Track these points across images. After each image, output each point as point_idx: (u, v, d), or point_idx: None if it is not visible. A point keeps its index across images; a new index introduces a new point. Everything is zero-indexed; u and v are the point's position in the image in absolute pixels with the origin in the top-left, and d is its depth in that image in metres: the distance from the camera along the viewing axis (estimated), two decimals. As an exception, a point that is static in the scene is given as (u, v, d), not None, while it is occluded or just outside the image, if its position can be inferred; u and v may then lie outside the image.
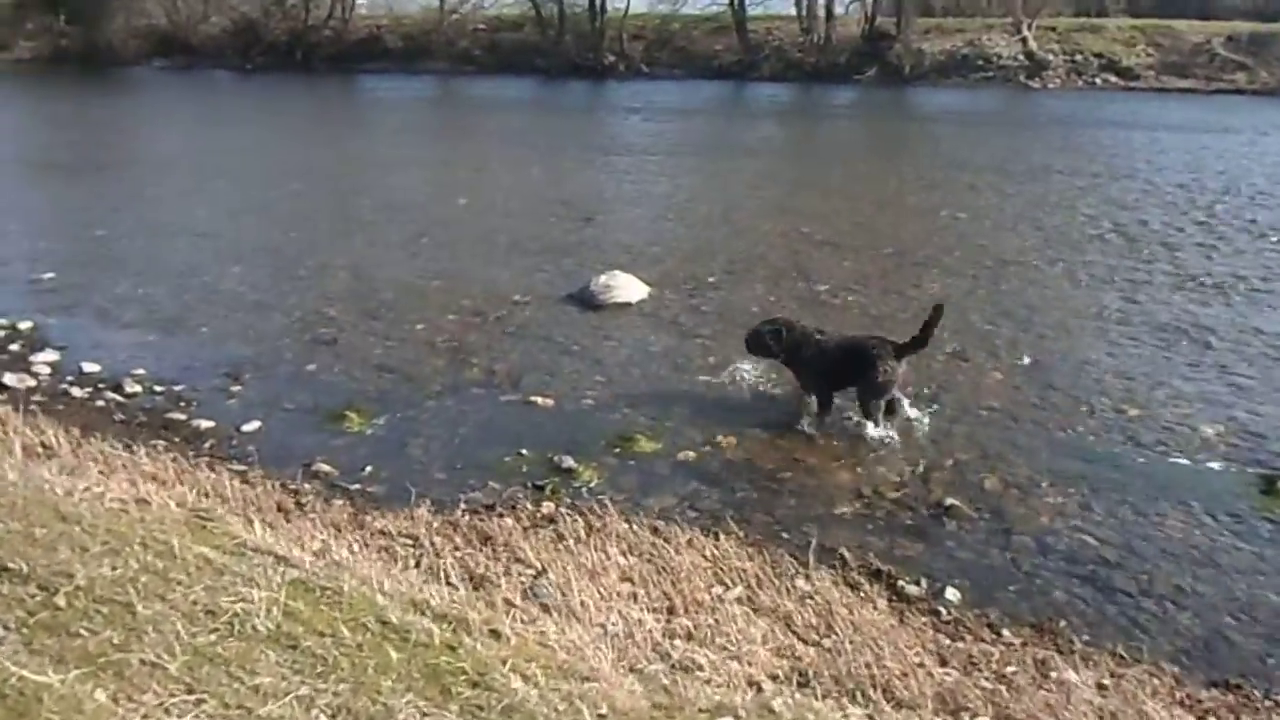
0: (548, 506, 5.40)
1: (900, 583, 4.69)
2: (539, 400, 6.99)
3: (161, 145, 20.86)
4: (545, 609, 3.96)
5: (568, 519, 5.11)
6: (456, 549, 4.59)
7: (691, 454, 6.14)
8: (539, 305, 9.25)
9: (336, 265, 10.70)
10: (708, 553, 4.68)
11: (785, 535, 5.17)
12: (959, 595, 4.62)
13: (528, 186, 15.42)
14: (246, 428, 6.58)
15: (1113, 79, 32.85)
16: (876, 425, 6.34)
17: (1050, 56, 34.00)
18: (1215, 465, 5.93)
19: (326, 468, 6.00)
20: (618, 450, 6.20)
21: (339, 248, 11.53)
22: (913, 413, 6.61)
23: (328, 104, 31.80)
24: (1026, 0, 35.36)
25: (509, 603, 3.91)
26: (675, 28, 40.74)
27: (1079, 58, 33.92)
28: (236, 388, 7.29)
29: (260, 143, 21.39)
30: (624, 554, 4.64)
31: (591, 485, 5.76)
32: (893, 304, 9.20)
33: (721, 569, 4.55)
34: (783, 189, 15.36)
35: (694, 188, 15.79)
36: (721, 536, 4.99)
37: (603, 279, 9.34)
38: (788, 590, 4.44)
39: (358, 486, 5.78)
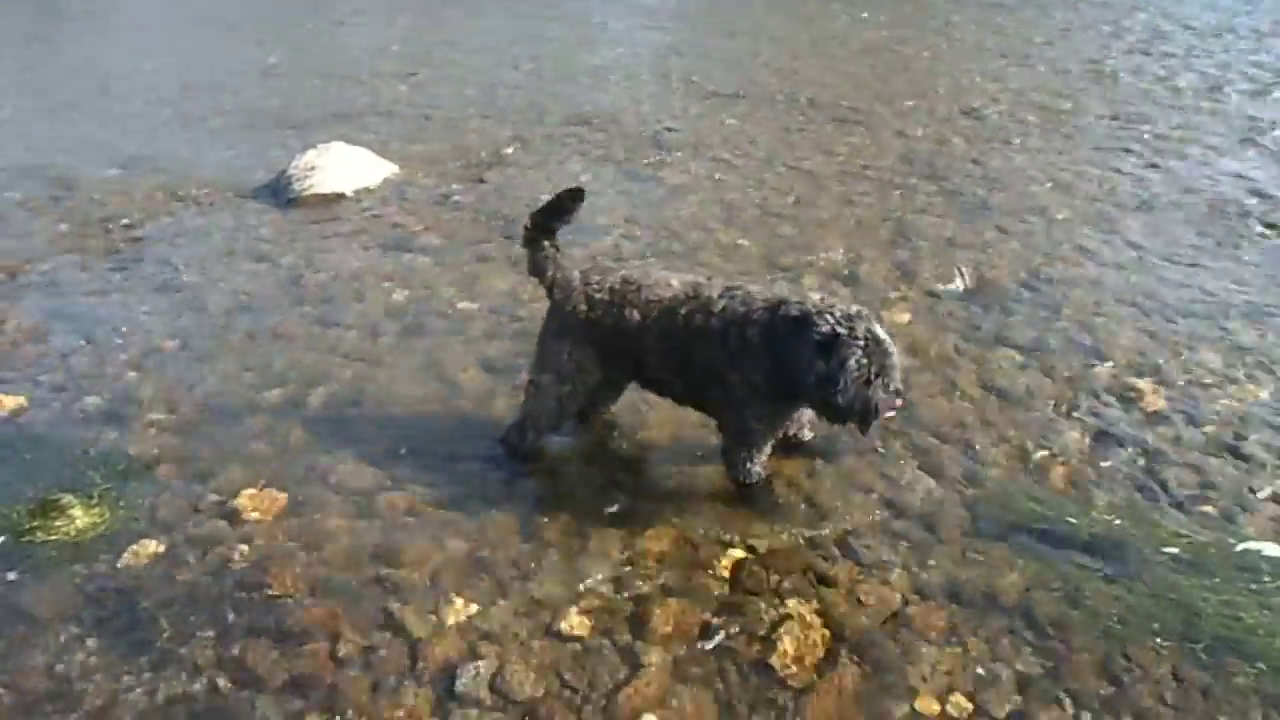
0: None
1: None
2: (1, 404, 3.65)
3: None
4: None
5: None
6: None
7: (153, 548, 2.79)
8: (209, 203, 5.82)
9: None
10: None
11: None
12: None
13: (377, 38, 11.64)
14: None
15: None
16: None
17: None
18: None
19: None
20: (6, 537, 2.86)
21: (35, 131, 8.05)
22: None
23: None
24: None
25: None
26: None
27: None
28: None
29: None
30: None
31: None
32: (773, 185, 5.64)
33: None
34: (687, 29, 11.45)
35: (583, 32, 11.89)
36: None
37: (307, 157, 5.85)
38: None
39: None
